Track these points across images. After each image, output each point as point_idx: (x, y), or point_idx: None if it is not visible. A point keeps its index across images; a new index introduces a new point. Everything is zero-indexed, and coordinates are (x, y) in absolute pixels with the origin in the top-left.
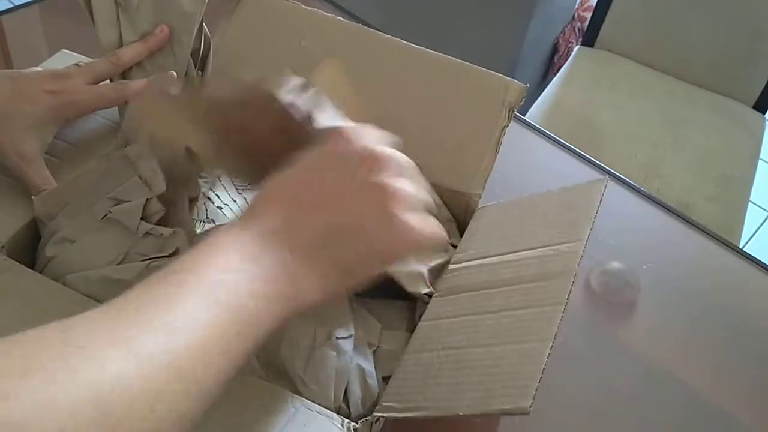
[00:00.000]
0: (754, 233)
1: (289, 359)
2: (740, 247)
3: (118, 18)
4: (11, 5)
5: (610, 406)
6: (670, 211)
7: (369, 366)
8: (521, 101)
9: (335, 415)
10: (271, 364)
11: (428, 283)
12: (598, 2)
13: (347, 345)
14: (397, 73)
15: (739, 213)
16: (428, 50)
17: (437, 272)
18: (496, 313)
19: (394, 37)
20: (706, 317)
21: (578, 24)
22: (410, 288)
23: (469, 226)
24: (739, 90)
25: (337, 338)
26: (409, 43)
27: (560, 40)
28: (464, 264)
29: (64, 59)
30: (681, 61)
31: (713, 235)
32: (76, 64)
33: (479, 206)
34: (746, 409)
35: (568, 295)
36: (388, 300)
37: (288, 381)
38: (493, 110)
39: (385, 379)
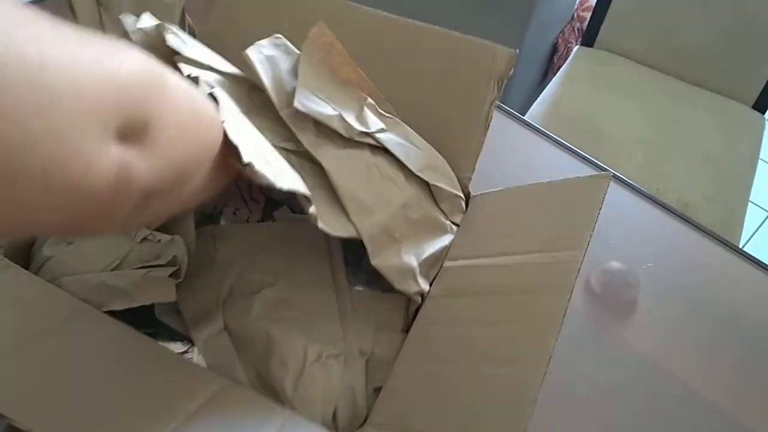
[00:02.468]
0: (754, 233)
1: (279, 378)
2: (740, 247)
3: (101, 17)
4: None
5: (609, 406)
6: (670, 211)
7: (359, 383)
8: (511, 71)
9: (324, 430)
10: (261, 379)
11: (419, 280)
12: (597, 2)
13: (337, 364)
14: (376, 46)
15: (739, 213)
16: (410, 20)
17: (432, 262)
18: (489, 326)
19: (374, 10)
20: (705, 317)
21: (578, 24)
22: (399, 285)
23: (466, 215)
24: (739, 90)
25: (327, 357)
26: (389, 14)
27: (560, 40)
28: (460, 262)
29: None
30: (681, 61)
31: (713, 235)
32: None
33: (476, 193)
34: (745, 409)
35: (565, 312)
36: (384, 293)
37: (276, 397)
38: (480, 82)
39: (377, 390)
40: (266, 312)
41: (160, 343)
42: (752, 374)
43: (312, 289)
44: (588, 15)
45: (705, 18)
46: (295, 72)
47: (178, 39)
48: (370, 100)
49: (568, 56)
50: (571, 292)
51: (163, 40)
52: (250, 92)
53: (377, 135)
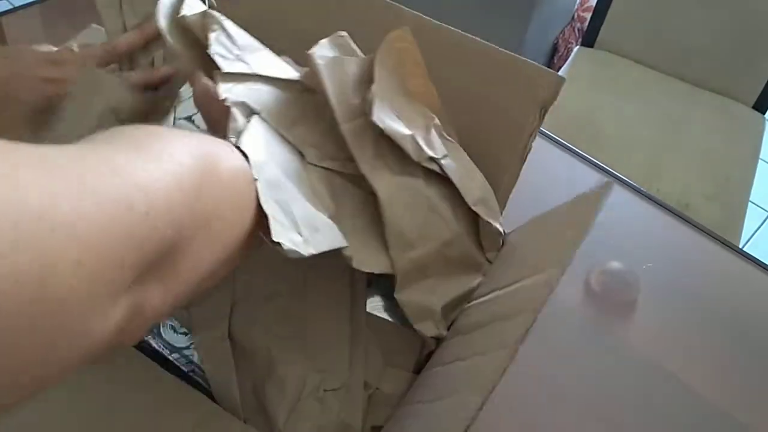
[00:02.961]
0: (754, 233)
1: (274, 402)
2: (740, 247)
3: (121, 7)
4: (11, 6)
5: (609, 406)
6: (670, 211)
7: (356, 420)
8: (556, 98)
9: None
10: (257, 394)
11: (437, 324)
12: (597, 2)
13: (335, 399)
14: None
15: (739, 213)
16: (456, 30)
17: (456, 304)
18: (467, 361)
19: (421, 15)
20: (705, 317)
21: (578, 24)
22: (416, 325)
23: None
24: (739, 90)
25: (325, 390)
26: (437, 22)
27: (560, 41)
28: (474, 301)
29: (94, 35)
30: (681, 61)
31: (713, 235)
32: (70, 49)
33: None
34: (746, 409)
35: (524, 337)
36: (401, 326)
37: (267, 420)
38: (522, 108)
39: (375, 428)
40: (272, 326)
41: (164, 335)
42: (752, 373)
43: (326, 306)
44: (588, 15)
45: (705, 18)
46: (361, 79)
47: (222, 41)
48: (436, 120)
49: (568, 57)
50: (537, 313)
51: (208, 42)
52: (300, 95)
53: (442, 161)
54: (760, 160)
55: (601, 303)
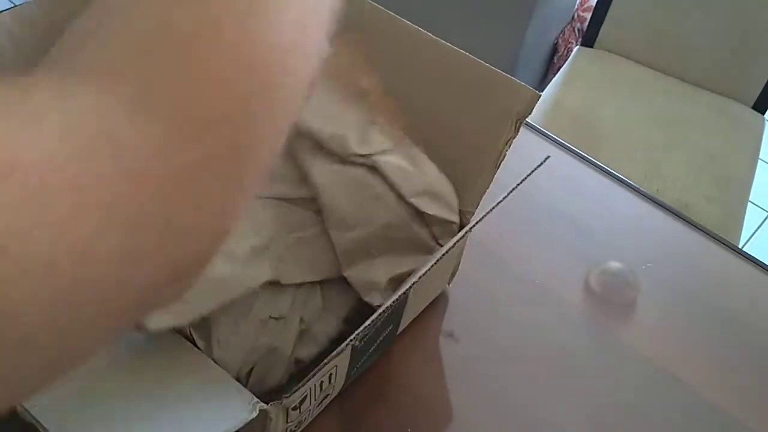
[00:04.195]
0: (754, 233)
1: (218, 315)
2: (740, 247)
3: None
4: (11, 5)
5: (609, 406)
6: (670, 211)
7: (287, 349)
8: (531, 111)
9: (245, 390)
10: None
11: (383, 294)
12: (597, 2)
13: (276, 325)
14: (403, 59)
15: (739, 213)
16: (440, 40)
17: (401, 279)
18: None
19: (408, 23)
20: (705, 317)
21: (578, 24)
22: (364, 296)
23: None
24: (739, 90)
25: (270, 317)
26: (423, 30)
27: (560, 41)
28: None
29: None
30: (681, 61)
31: (713, 235)
32: None
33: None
34: (746, 409)
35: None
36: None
37: (206, 329)
38: (499, 119)
39: (298, 360)
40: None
41: None
42: (752, 374)
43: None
44: (588, 15)
45: (705, 18)
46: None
47: None
48: (381, 118)
49: (568, 56)
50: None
51: None
52: None
53: (375, 157)
54: (760, 160)
55: (601, 303)
